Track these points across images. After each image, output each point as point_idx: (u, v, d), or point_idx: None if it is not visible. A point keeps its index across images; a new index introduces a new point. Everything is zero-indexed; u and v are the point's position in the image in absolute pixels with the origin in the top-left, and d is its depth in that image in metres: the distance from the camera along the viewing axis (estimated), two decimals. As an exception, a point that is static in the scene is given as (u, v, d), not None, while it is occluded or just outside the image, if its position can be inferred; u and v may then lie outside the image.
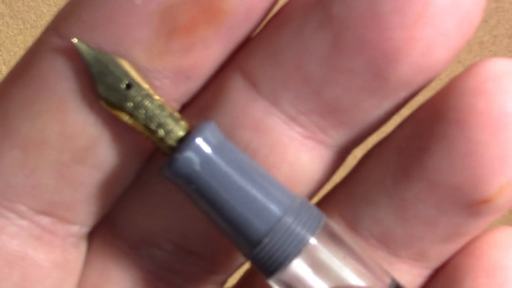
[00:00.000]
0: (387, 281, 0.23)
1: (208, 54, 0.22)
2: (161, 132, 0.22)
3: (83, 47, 0.21)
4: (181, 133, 0.22)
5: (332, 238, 0.22)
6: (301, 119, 0.23)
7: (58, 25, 0.21)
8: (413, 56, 0.21)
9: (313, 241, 0.22)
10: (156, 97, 0.22)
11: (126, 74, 0.21)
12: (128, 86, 0.21)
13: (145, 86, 0.21)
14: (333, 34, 0.21)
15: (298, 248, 0.22)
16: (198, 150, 0.21)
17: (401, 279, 0.25)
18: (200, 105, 0.23)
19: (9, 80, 0.22)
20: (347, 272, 0.22)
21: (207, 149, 0.21)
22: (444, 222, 0.23)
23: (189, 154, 0.21)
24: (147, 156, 0.24)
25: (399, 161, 0.23)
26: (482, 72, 0.22)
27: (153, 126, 0.22)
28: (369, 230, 0.24)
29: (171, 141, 0.22)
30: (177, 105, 0.23)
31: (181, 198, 0.23)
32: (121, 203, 0.24)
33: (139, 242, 0.24)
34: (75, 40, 0.21)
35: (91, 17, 0.21)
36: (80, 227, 0.23)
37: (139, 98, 0.21)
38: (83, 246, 0.24)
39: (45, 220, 0.23)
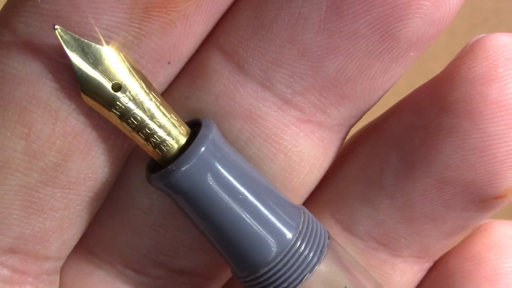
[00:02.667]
0: None
1: (189, 32, 0.19)
2: (158, 138, 0.19)
3: (66, 36, 0.17)
4: (182, 139, 0.19)
5: (336, 255, 0.20)
6: (297, 101, 0.20)
7: (10, 20, 0.18)
8: (426, 7, 0.19)
9: (322, 263, 0.20)
10: (152, 95, 0.18)
11: (116, 72, 0.18)
12: (117, 88, 0.18)
13: (138, 85, 0.18)
14: None
15: (306, 271, 0.19)
16: (207, 160, 0.18)
17: (402, 278, 0.23)
18: (178, 93, 0.20)
19: None
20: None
21: (215, 159, 0.19)
22: (453, 219, 0.21)
23: (197, 164, 0.18)
24: (123, 165, 0.20)
25: (400, 157, 0.21)
26: (491, 55, 0.20)
27: (147, 131, 0.18)
28: (369, 232, 0.22)
29: (172, 149, 0.19)
30: None
31: (168, 209, 0.21)
32: (98, 224, 0.21)
33: (122, 271, 0.22)
34: (57, 27, 0.17)
35: (50, 7, 0.17)
36: (53, 262, 0.20)
37: (131, 99, 0.18)
38: (56, 282, 0.21)
39: (13, 259, 0.19)
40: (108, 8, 0.18)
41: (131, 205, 0.21)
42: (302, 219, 0.20)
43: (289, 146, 0.20)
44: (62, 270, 0.22)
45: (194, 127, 0.19)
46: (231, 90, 0.20)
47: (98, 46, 0.18)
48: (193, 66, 0.20)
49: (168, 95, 0.20)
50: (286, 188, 0.21)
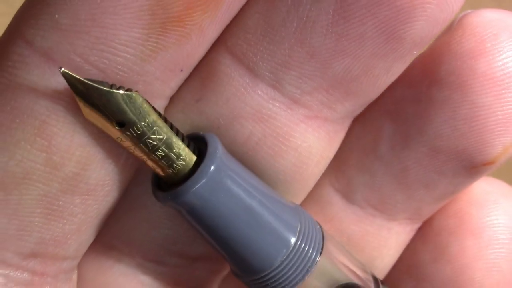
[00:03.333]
0: (369, 275, 0.23)
1: (203, 42, 0.19)
2: (164, 163, 0.19)
3: (71, 78, 0.17)
4: (189, 162, 0.19)
5: (329, 246, 0.21)
6: (306, 100, 0.20)
7: (27, 32, 0.18)
8: (430, 9, 0.19)
9: (320, 259, 0.21)
10: (158, 127, 0.19)
11: (119, 111, 0.18)
12: (122, 125, 0.18)
13: (142, 121, 0.18)
14: None
15: (307, 268, 0.21)
16: (217, 178, 0.19)
17: (397, 240, 0.25)
18: (189, 96, 0.21)
19: None
20: (348, 275, 0.22)
21: (224, 176, 0.19)
22: (445, 184, 0.23)
23: (208, 183, 0.19)
24: (137, 166, 0.21)
25: (395, 127, 0.22)
26: (479, 30, 0.21)
27: (154, 159, 0.19)
28: (367, 199, 0.23)
29: (180, 171, 0.19)
30: (166, 102, 0.20)
31: None
32: (115, 221, 0.21)
33: (141, 263, 0.22)
34: (63, 70, 0.17)
35: (69, 22, 0.17)
36: (71, 261, 0.21)
37: (135, 135, 0.18)
38: (74, 279, 0.22)
39: (33, 263, 0.20)
40: (127, 24, 0.18)
41: (148, 200, 0.21)
42: (300, 220, 0.21)
43: (299, 143, 0.21)
44: (82, 267, 0.22)
45: (198, 141, 0.20)
46: (242, 92, 0.20)
47: (101, 87, 0.18)
48: (203, 69, 0.20)
49: (179, 98, 0.21)
50: (296, 180, 0.22)
